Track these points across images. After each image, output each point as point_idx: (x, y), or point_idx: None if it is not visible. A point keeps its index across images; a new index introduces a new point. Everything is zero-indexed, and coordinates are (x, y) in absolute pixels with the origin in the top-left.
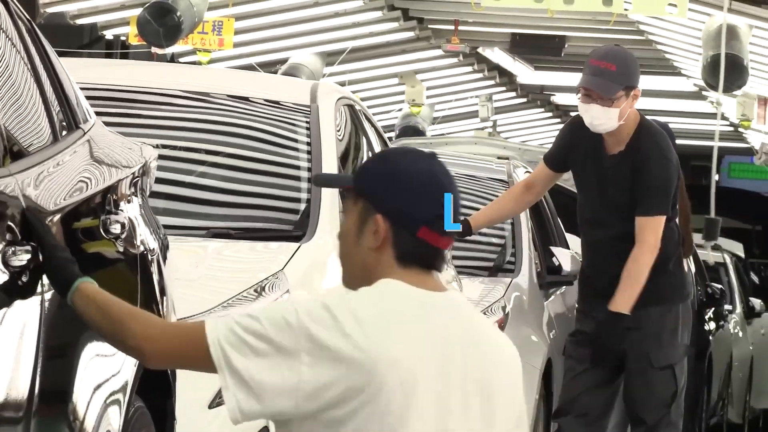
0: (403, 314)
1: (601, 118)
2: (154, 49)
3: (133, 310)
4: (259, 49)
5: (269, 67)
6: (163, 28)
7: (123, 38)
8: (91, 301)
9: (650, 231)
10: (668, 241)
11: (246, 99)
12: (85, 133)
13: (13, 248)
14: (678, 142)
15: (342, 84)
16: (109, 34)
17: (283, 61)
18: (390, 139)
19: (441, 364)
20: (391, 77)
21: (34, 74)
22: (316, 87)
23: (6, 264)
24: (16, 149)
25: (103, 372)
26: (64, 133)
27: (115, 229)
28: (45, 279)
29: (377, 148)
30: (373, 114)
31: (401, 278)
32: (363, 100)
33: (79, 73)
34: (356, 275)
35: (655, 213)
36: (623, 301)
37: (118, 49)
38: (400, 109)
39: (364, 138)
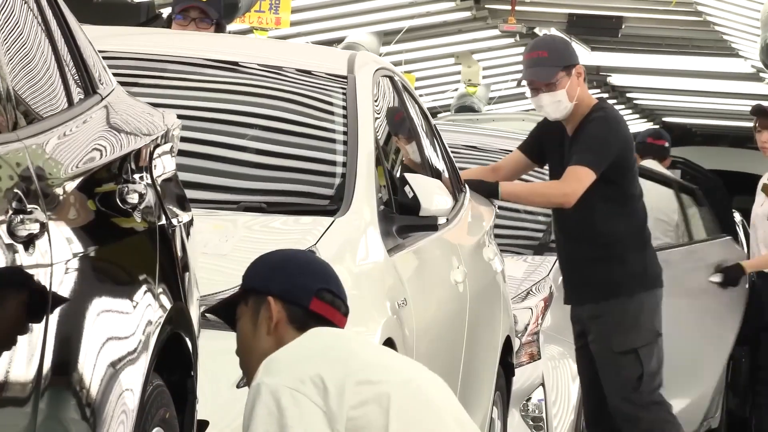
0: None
1: (552, 104)
2: None
3: None
4: (315, 28)
5: (326, 45)
6: None
7: None
8: None
9: (573, 179)
10: (625, 228)
11: (280, 68)
12: (102, 99)
13: (20, 217)
14: (734, 124)
15: (398, 63)
16: (165, 13)
17: (340, 41)
18: (435, 116)
19: None
20: (448, 57)
21: (48, 37)
22: (354, 57)
23: (13, 234)
24: (26, 114)
25: (117, 347)
26: (79, 98)
27: (133, 198)
28: (54, 249)
29: (417, 122)
30: (429, 94)
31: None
32: (419, 79)
33: (120, 40)
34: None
35: (584, 164)
36: (508, 190)
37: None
38: (455, 89)
39: (403, 111)
